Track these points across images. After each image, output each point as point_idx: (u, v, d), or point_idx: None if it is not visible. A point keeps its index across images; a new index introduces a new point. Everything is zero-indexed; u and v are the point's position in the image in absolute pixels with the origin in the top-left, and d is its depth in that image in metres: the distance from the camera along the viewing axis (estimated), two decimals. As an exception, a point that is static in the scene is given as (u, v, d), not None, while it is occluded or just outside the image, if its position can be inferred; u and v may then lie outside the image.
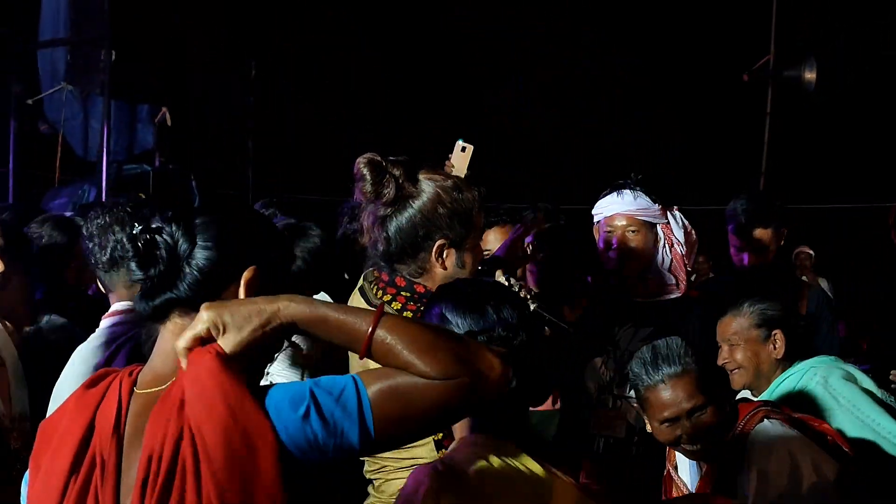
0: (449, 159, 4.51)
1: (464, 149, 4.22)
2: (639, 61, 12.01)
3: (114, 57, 6.58)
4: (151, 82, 7.16)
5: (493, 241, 4.03)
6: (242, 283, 1.71)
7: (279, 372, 3.53)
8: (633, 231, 3.36)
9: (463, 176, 4.52)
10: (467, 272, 2.55)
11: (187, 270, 1.69)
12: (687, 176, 11.66)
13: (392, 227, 2.43)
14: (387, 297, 2.49)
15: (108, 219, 2.80)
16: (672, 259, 3.41)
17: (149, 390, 1.66)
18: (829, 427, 2.87)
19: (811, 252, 9.99)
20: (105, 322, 2.93)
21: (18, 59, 7.43)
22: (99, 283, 3.07)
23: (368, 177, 2.41)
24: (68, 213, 6.81)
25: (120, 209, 2.87)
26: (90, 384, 1.72)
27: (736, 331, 3.19)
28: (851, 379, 3.19)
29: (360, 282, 2.62)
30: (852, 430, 3.06)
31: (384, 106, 11.90)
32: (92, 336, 2.91)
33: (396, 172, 2.43)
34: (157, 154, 7.74)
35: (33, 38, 7.25)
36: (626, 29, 12.01)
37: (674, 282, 3.44)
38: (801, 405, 3.05)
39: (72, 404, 1.71)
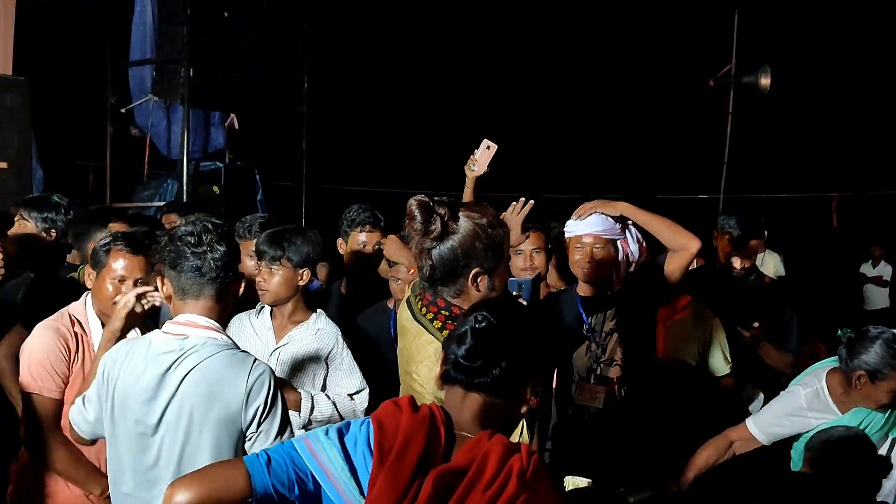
0: (474, 154, 4.57)
1: (489, 147, 4.24)
2: (619, 69, 12.03)
3: (192, 73, 6.70)
4: (222, 93, 7.22)
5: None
6: None
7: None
8: (598, 247, 3.40)
9: (483, 172, 4.58)
10: (496, 294, 2.58)
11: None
12: (660, 168, 11.70)
13: (436, 256, 2.45)
14: (429, 316, 2.54)
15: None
16: (624, 265, 3.48)
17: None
18: None
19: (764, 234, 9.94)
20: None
21: (113, 75, 7.59)
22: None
23: (419, 216, 2.43)
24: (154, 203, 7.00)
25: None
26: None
27: None
28: None
29: (408, 293, 2.68)
30: None
31: (416, 112, 11.93)
32: None
33: (442, 211, 2.44)
34: (228, 153, 7.85)
35: (125, 58, 7.32)
36: (610, 41, 12.03)
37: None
38: None
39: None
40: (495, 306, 1.90)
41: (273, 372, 2.43)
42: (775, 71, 7.96)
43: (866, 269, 11.34)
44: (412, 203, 2.46)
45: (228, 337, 2.46)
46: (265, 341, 3.39)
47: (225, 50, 7.08)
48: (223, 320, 2.49)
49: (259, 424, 2.37)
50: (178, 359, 2.36)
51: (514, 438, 2.23)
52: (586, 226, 3.42)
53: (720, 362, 4.00)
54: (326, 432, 1.80)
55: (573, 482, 2.86)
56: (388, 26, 11.56)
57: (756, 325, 4.17)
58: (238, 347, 2.47)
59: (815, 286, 8.50)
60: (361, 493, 1.72)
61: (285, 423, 2.43)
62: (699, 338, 3.96)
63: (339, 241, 4.30)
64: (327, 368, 3.42)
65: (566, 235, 3.52)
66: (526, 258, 3.72)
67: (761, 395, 4.34)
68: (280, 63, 8.01)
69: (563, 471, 2.90)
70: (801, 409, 3.26)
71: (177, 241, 2.41)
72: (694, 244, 3.30)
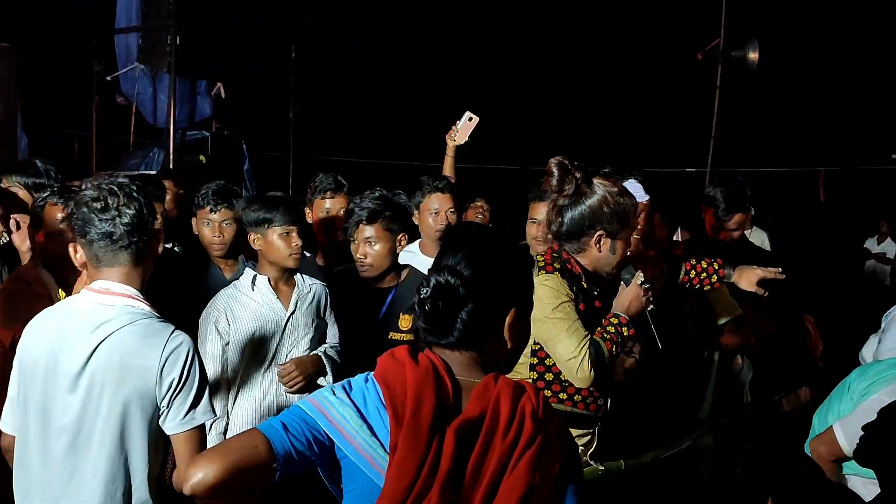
0: (456, 124, 4.61)
1: (470, 118, 4.31)
2: (608, 44, 12.01)
3: (178, 41, 6.66)
4: (209, 62, 7.18)
5: (435, 203, 4.12)
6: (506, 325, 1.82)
7: None
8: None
9: (463, 142, 4.60)
10: (617, 257, 2.77)
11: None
12: (650, 141, 11.72)
13: (567, 215, 2.65)
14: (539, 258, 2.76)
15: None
16: None
17: None
18: None
19: (751, 210, 9.89)
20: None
21: (98, 43, 7.53)
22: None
23: (556, 174, 2.63)
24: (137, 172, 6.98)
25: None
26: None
27: None
28: None
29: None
30: None
31: (403, 83, 11.89)
32: None
33: (577, 175, 2.63)
34: (214, 122, 7.83)
35: (111, 25, 7.25)
36: (598, 15, 11.99)
37: None
38: None
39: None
40: (452, 252, 1.82)
41: (193, 344, 2.34)
42: (763, 45, 7.97)
43: (871, 244, 11.17)
44: (552, 162, 2.65)
45: (147, 304, 2.35)
46: (277, 311, 3.38)
47: (212, 18, 7.04)
48: (143, 284, 2.37)
49: (172, 398, 2.28)
50: (93, 329, 2.26)
51: None
52: (642, 193, 3.42)
53: (729, 304, 3.94)
54: (332, 392, 1.77)
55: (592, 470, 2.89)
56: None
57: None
58: (157, 316, 2.35)
59: (809, 260, 8.55)
60: (385, 449, 1.70)
61: (200, 397, 2.33)
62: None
63: (306, 209, 4.27)
64: (325, 322, 3.52)
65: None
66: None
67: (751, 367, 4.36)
68: (267, 32, 7.96)
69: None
70: None
71: (83, 208, 2.28)
72: None
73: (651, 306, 2.90)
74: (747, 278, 3.34)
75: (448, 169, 4.57)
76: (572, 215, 2.63)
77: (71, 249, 2.36)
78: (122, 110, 7.85)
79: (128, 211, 2.28)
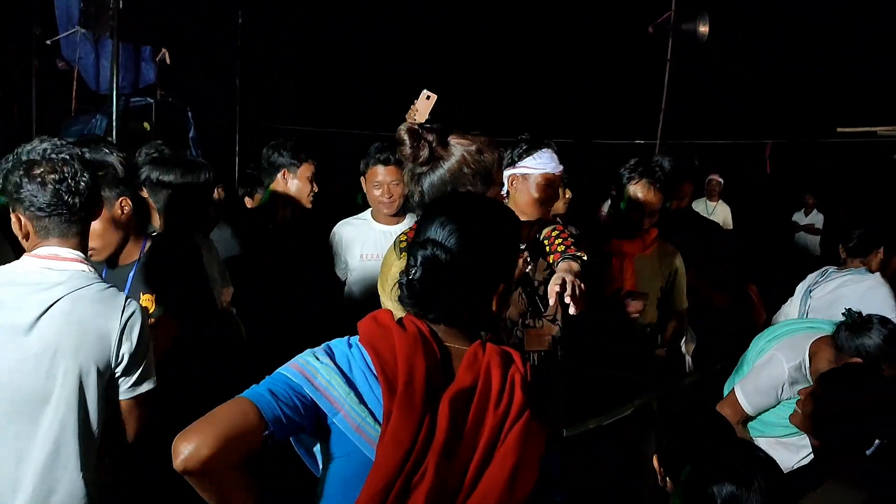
0: (414, 104, 4.58)
1: (428, 97, 4.30)
2: (559, 16, 12.02)
3: (121, 5, 6.50)
4: (153, 26, 7.04)
5: (379, 175, 4.16)
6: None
7: None
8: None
9: (423, 121, 4.60)
10: None
11: None
12: (600, 113, 11.80)
13: (426, 182, 2.50)
14: (402, 237, 2.68)
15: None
16: None
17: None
18: None
19: (721, 180, 10.07)
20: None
21: (38, 6, 7.33)
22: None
23: (408, 142, 2.49)
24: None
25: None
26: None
27: None
28: None
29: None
30: None
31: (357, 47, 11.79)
32: None
33: (430, 138, 2.50)
34: (158, 88, 7.65)
35: (50, -14, 7.09)
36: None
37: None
38: None
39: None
40: (440, 225, 1.79)
41: (145, 312, 2.32)
42: (713, 18, 8.04)
43: (798, 217, 11.57)
44: (401, 129, 2.52)
45: (94, 268, 2.31)
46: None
47: (156, -19, 6.88)
48: (87, 247, 2.33)
49: (128, 364, 2.27)
50: (41, 291, 2.20)
51: None
52: (555, 165, 3.24)
53: (681, 298, 4.03)
54: (315, 357, 1.73)
55: None
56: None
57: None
58: (104, 281, 2.33)
59: (750, 232, 8.71)
60: (375, 418, 1.67)
61: (151, 362, 2.33)
62: (664, 274, 3.96)
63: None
64: None
65: (533, 171, 3.20)
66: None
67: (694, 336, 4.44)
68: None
69: None
70: (783, 384, 3.28)
71: (29, 177, 2.19)
72: None
73: (529, 267, 2.84)
74: (555, 278, 2.92)
75: None
76: (431, 181, 2.50)
77: (14, 220, 2.27)
78: (64, 75, 7.65)
79: (83, 180, 2.23)
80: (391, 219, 4.29)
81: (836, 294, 4.05)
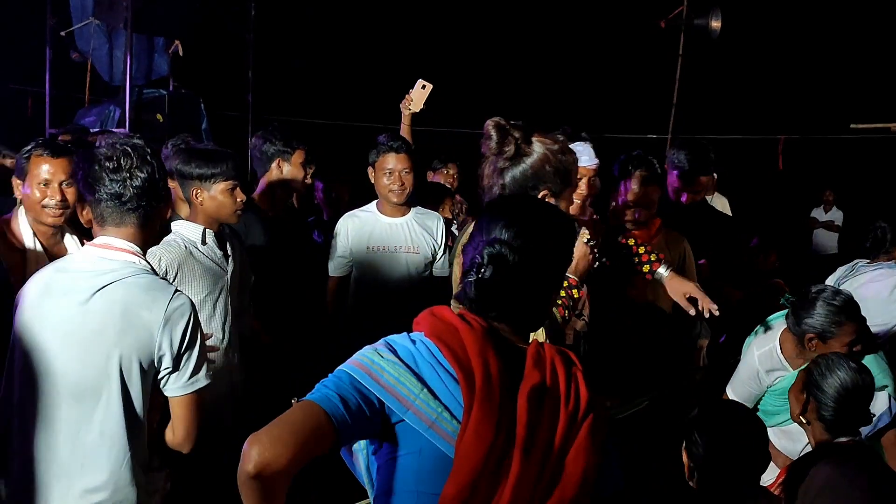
0: (409, 93, 4.62)
1: (423, 86, 4.32)
2: (571, 10, 11.99)
3: (135, -4, 6.53)
4: (166, 18, 7.05)
5: (390, 163, 4.19)
6: None
7: None
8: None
9: (418, 110, 4.66)
10: None
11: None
12: (612, 108, 11.76)
13: (508, 176, 2.58)
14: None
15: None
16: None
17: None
18: None
19: (714, 174, 10.02)
20: None
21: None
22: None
23: (495, 136, 2.56)
24: (95, 129, 6.86)
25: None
26: None
27: None
28: None
29: None
30: None
31: (371, 41, 11.77)
32: None
33: (516, 134, 2.57)
34: (171, 80, 7.68)
35: (65, -22, 7.12)
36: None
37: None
38: None
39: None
40: (505, 226, 1.80)
41: (194, 307, 2.32)
42: (726, 13, 8.01)
43: (818, 213, 11.38)
44: (489, 124, 2.59)
45: (148, 263, 2.35)
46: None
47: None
48: (146, 246, 2.37)
49: (175, 360, 2.26)
50: (92, 277, 2.24)
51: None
52: (592, 159, 3.44)
53: (693, 280, 4.01)
54: (378, 353, 1.70)
55: None
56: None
57: (702, 262, 4.21)
58: (158, 275, 2.37)
59: (764, 228, 8.68)
60: (451, 414, 1.65)
61: (202, 360, 2.33)
62: (674, 260, 3.92)
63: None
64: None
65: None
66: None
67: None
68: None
69: None
70: (757, 371, 3.37)
71: (94, 166, 2.26)
72: None
73: (597, 263, 2.91)
74: (677, 288, 3.18)
75: (405, 136, 4.55)
76: (514, 175, 2.58)
77: (78, 206, 2.39)
78: (77, 67, 7.68)
79: (139, 174, 2.27)
80: (397, 210, 4.30)
81: (866, 289, 4.07)
